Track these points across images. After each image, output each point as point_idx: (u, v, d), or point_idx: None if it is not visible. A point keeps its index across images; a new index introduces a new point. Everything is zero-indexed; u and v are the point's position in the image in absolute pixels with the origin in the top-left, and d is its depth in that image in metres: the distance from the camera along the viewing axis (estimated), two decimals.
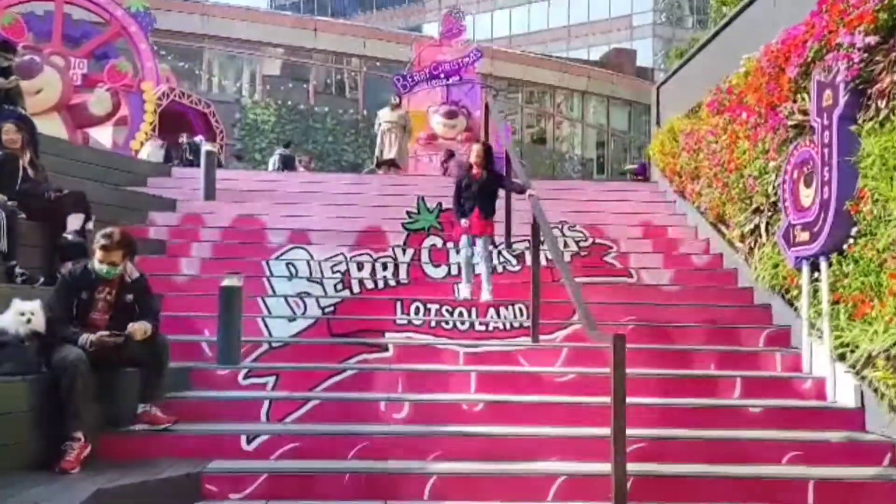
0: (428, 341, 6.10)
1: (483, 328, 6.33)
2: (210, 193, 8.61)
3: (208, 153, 8.70)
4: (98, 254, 4.75)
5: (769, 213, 6.45)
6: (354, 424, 5.04)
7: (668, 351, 6.06)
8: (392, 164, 13.02)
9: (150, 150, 14.13)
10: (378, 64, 29.64)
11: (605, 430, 4.94)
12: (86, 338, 4.55)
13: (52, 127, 15.81)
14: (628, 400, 4.19)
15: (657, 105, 10.31)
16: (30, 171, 6.47)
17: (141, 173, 9.10)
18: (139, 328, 4.66)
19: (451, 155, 14.30)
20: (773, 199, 6.35)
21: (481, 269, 6.78)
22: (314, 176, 10.80)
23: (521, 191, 6.66)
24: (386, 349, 5.90)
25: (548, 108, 37.13)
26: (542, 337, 6.15)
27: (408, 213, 8.66)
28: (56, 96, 16.14)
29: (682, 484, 4.57)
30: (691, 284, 7.26)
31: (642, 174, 18.14)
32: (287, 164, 15.85)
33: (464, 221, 6.79)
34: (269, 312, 6.49)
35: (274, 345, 5.86)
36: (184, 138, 15.28)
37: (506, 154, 7.82)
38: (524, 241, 8.02)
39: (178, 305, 6.44)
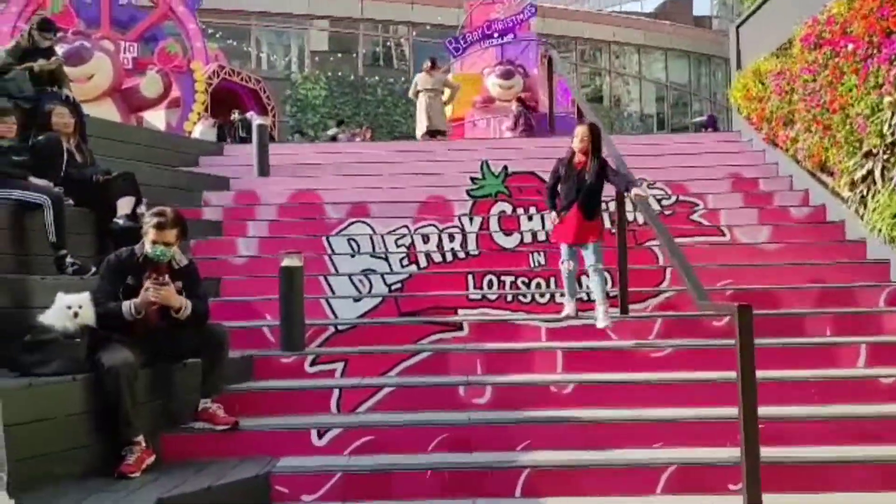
0: (506, 317, 5.58)
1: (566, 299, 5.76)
2: (264, 169, 8.21)
3: (260, 127, 8.28)
4: (151, 233, 4.36)
5: (885, 156, 5.68)
6: (432, 412, 4.59)
7: (775, 317, 5.40)
8: (438, 133, 12.14)
9: (202, 130, 13.87)
10: (428, 28, 28.89)
11: (714, 411, 4.39)
12: (129, 305, 4.19)
13: (105, 112, 15.74)
14: (733, 375, 3.60)
15: (737, 47, 9.43)
16: (77, 156, 6.14)
17: (192, 152, 8.75)
18: (168, 294, 4.24)
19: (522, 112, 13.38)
20: (890, 139, 5.57)
21: (592, 286, 5.31)
22: (369, 146, 10.31)
23: (626, 188, 5.25)
24: (460, 327, 5.41)
25: (603, 64, 35.87)
26: (631, 307, 5.55)
27: (472, 178, 8.10)
28: (108, 81, 16.05)
29: (809, 472, 3.98)
30: (793, 241, 6.54)
31: (712, 126, 17.18)
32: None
33: (554, 216, 5.47)
34: (333, 292, 6.06)
35: (340, 327, 5.43)
36: (235, 115, 14.96)
37: (577, 110, 7.16)
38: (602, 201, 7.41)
39: (236, 289, 6.07)
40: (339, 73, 27.84)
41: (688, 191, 7.63)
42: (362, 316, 5.75)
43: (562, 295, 5.75)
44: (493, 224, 7.10)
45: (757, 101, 8.23)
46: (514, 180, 8.10)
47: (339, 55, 29.29)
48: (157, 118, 17.28)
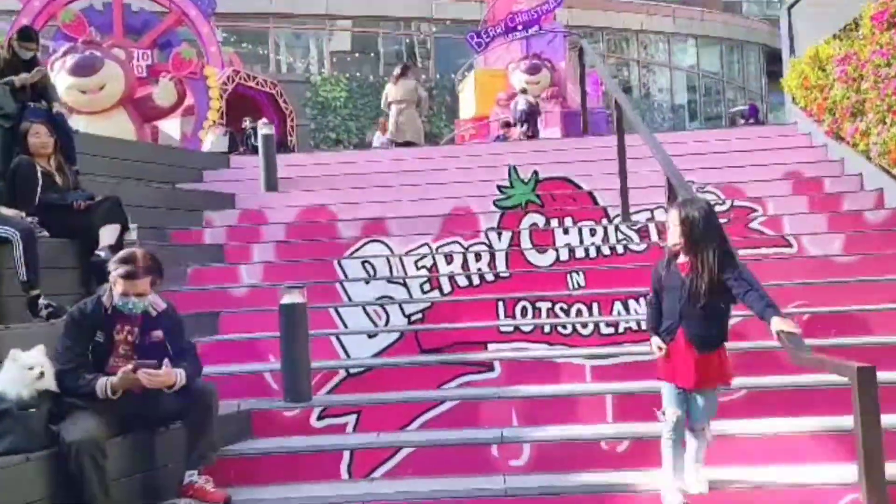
0: (543, 353, 4.81)
1: (611, 330, 4.98)
2: (271, 184, 7.52)
3: (266, 138, 7.58)
4: (120, 285, 3.68)
5: None
6: (461, 478, 3.86)
7: (866, 347, 4.56)
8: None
9: (213, 139, 13.25)
10: (448, 23, 28.10)
11: (812, 475, 3.61)
12: (104, 383, 3.51)
13: (118, 123, 15.24)
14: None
15: (789, 30, 8.52)
16: (57, 178, 5.50)
17: (195, 166, 8.09)
18: (163, 376, 3.57)
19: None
20: None
21: (688, 446, 3.62)
22: (384, 152, 9.57)
23: (763, 313, 3.39)
24: (491, 368, 4.66)
25: (631, 54, 34.76)
26: None
27: (499, 187, 7.33)
28: (120, 91, 15.46)
29: None
30: (871, 251, 5.67)
31: (753, 116, 16.19)
32: None
33: (657, 344, 3.60)
34: (346, 326, 5.34)
35: (352, 371, 4.70)
36: (247, 123, 14.30)
37: (616, 104, 6.36)
38: (645, 209, 6.62)
39: (236, 325, 5.37)
40: (360, 74, 27.16)
41: (744, 194, 6.78)
42: (378, 354, 5.01)
43: (608, 325, 4.98)
44: (525, 239, 6.32)
45: (817, 90, 7.35)
46: (545, 187, 7.31)
47: (359, 55, 28.61)
48: (172, 127, 16.76)
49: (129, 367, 3.53)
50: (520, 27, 15.38)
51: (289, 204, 7.22)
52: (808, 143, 7.79)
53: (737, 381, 4.34)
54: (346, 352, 5.04)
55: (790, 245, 5.86)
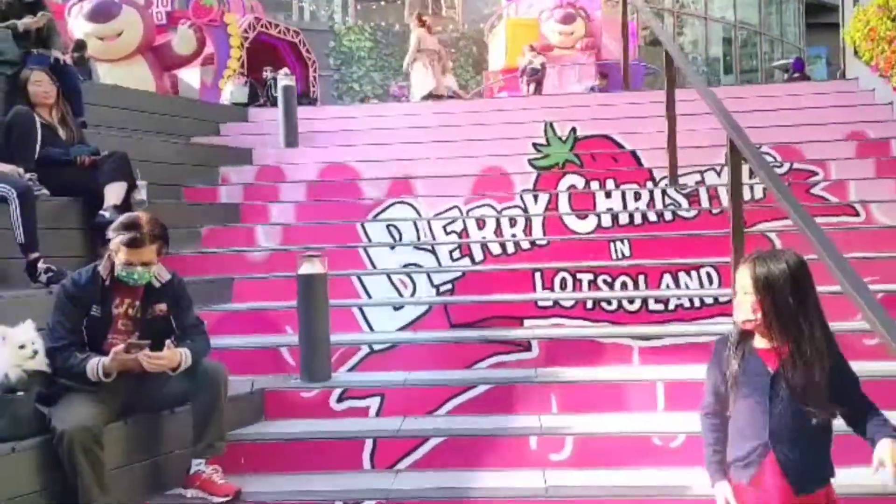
0: (585, 332, 4.37)
1: (661, 307, 4.52)
2: (291, 139, 7.07)
3: (286, 89, 7.10)
4: (123, 253, 3.27)
5: None
6: (496, 471, 3.47)
7: None
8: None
9: (232, 90, 12.79)
10: None
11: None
12: (95, 364, 3.14)
13: (138, 72, 14.82)
14: None
15: None
16: (60, 132, 5.10)
17: (212, 119, 7.65)
18: (166, 358, 3.19)
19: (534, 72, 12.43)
20: None
21: None
22: (411, 106, 9.05)
23: (876, 435, 2.17)
24: (528, 347, 4.24)
25: (665, 4, 33.44)
26: None
27: (534, 144, 6.84)
28: (138, 38, 14.98)
29: None
30: None
31: (800, 71, 15.35)
32: None
33: (724, 490, 2.32)
34: (369, 296, 4.93)
35: (376, 347, 4.30)
36: (268, 73, 13.75)
37: (666, 56, 5.79)
38: (694, 171, 6.10)
39: (251, 292, 4.98)
40: (385, 23, 26.36)
41: (802, 156, 6.22)
42: (404, 328, 4.61)
43: (657, 301, 4.52)
44: (563, 203, 5.83)
45: (886, 41, 6.69)
46: (584, 145, 6.81)
47: (384, 3, 27.76)
48: (192, 76, 16.25)
49: (121, 346, 3.14)
50: None
51: (309, 161, 6.78)
52: (871, 101, 7.16)
53: None
54: (369, 325, 4.64)
55: (857, 213, 5.33)
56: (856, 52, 7.52)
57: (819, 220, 5.16)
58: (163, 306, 3.40)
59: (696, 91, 5.16)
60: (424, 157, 6.68)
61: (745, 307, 2.26)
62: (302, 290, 4.10)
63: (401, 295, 4.93)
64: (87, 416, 3.05)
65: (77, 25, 14.34)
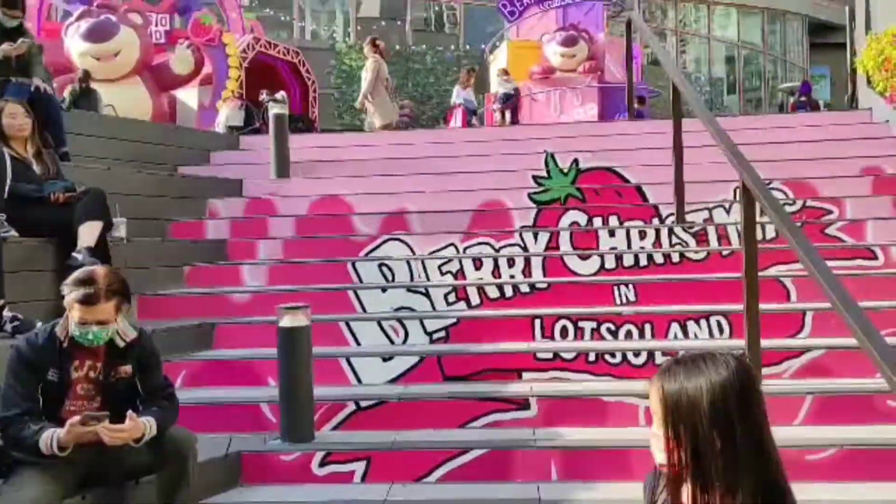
0: (587, 389, 4.07)
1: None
2: (282, 169, 6.80)
3: (277, 117, 6.85)
4: (77, 311, 2.98)
5: None
6: None
7: None
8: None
9: (227, 113, 12.55)
10: None
11: None
12: (49, 436, 2.83)
13: (134, 92, 14.66)
14: None
15: (866, 2, 7.57)
16: (35, 167, 4.84)
17: (201, 147, 7.39)
18: (128, 431, 2.90)
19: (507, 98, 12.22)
20: None
21: None
22: (408, 135, 8.78)
23: None
24: (526, 405, 3.94)
25: (668, 24, 33.33)
26: (764, 371, 3.99)
27: (534, 177, 6.57)
28: (135, 58, 14.81)
29: None
30: None
31: (807, 94, 15.10)
32: None
33: None
34: (358, 344, 4.64)
35: (363, 404, 4.01)
36: (264, 95, 13.55)
37: (673, 87, 5.53)
38: (702, 207, 5.82)
39: (234, 338, 4.70)
40: (387, 42, 26.19)
41: (816, 192, 5.94)
42: (394, 381, 4.31)
43: (664, 354, 4.23)
44: (564, 241, 5.55)
45: None
46: (587, 178, 6.54)
47: (385, 22, 27.64)
48: (189, 97, 16.07)
49: (77, 419, 2.85)
50: None
51: (300, 193, 6.51)
52: (886, 134, 6.89)
53: (824, 434, 3.62)
54: (357, 377, 4.35)
55: (875, 257, 5.04)
56: (869, 82, 7.26)
57: (834, 263, 4.90)
58: (127, 368, 3.11)
59: (704, 125, 4.89)
60: (419, 191, 6.41)
61: (656, 443, 1.55)
62: (283, 344, 3.81)
63: (392, 342, 4.64)
64: (40, 494, 2.76)
65: (74, 45, 14.17)
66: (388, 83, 10.29)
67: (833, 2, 34.01)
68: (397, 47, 25.93)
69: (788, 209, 5.63)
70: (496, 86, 12.87)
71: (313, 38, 27.00)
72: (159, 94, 15.24)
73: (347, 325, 4.68)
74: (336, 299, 4.96)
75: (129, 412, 2.93)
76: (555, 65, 13.70)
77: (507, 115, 12.60)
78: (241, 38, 16.64)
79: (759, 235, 5.28)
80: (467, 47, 26.19)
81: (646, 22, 32.36)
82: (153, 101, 14.81)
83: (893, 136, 6.76)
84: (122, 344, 3.12)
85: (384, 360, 4.37)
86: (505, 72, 13.08)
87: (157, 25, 16.89)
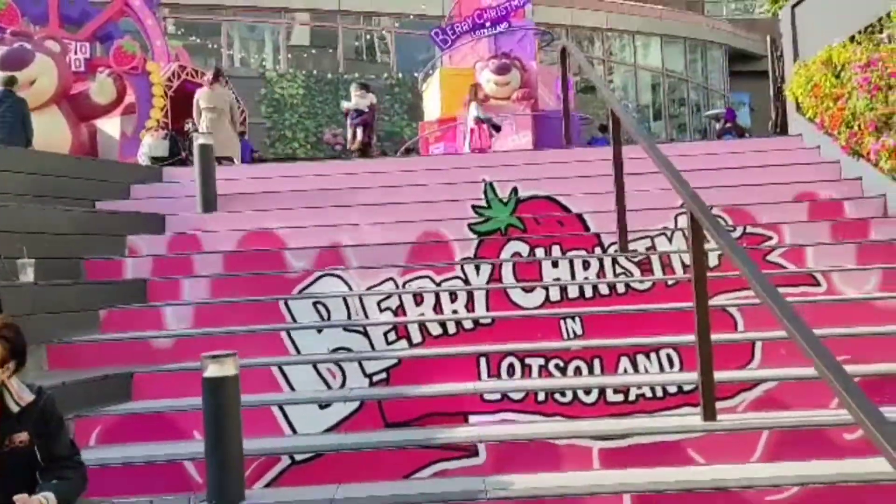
0: (538, 432, 3.85)
1: (620, 398, 4.06)
2: (209, 203, 6.44)
3: (202, 148, 6.50)
4: None
5: None
6: None
7: None
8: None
9: (150, 143, 12.01)
10: (412, 18, 27.02)
11: None
12: None
13: (51, 121, 13.96)
14: None
15: (793, 31, 7.72)
16: None
17: (121, 180, 6.95)
18: None
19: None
20: None
21: None
22: (342, 165, 8.53)
23: None
24: (474, 452, 3.70)
25: (596, 52, 34.09)
26: (717, 405, 3.85)
27: (474, 207, 6.39)
28: (53, 86, 14.11)
29: None
30: None
31: (732, 121, 15.50)
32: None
33: None
34: (292, 389, 4.33)
35: (298, 457, 3.69)
36: (189, 125, 13.06)
37: (611, 114, 5.46)
38: (644, 236, 5.73)
39: (154, 388, 4.31)
40: (317, 71, 25.94)
41: (754, 219, 5.94)
42: (332, 429, 4.01)
43: (615, 392, 4.06)
44: (507, 273, 5.37)
45: (830, 99, 6.54)
46: (527, 207, 6.39)
47: (317, 51, 27.39)
48: (111, 127, 15.39)
49: None
50: (488, 24, 14.44)
51: (228, 227, 6.16)
52: (818, 159, 6.99)
53: (784, 472, 3.48)
54: (291, 426, 4.03)
55: (817, 283, 5.01)
56: (798, 108, 7.38)
57: (781, 290, 4.85)
58: (23, 436, 2.74)
59: (646, 153, 4.80)
60: (355, 223, 6.14)
61: None
62: (208, 395, 3.48)
63: (329, 386, 4.34)
64: None
65: None
66: (220, 110, 9.78)
67: (751, 32, 35.57)
68: (329, 75, 25.70)
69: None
70: (353, 102, 12.29)
71: (242, 65, 26.51)
72: (78, 124, 14.56)
73: (280, 369, 4.36)
74: (268, 341, 4.64)
75: (22, 496, 2.56)
76: (489, 92, 13.66)
77: (359, 132, 12.10)
78: (165, 65, 16.11)
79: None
80: (399, 75, 26.11)
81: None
82: (72, 132, 14.13)
83: (825, 160, 6.85)
84: (16, 408, 2.75)
85: (321, 406, 4.06)
86: (362, 86, 12.71)
87: (76, 53, 16.21)
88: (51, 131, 13.67)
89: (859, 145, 6.15)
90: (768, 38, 13.52)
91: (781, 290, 4.65)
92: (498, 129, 12.04)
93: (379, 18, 28.39)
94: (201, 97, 9.97)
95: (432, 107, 15.18)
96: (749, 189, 6.48)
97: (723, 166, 7.18)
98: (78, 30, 16.61)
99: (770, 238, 5.68)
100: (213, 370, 3.47)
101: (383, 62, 28.33)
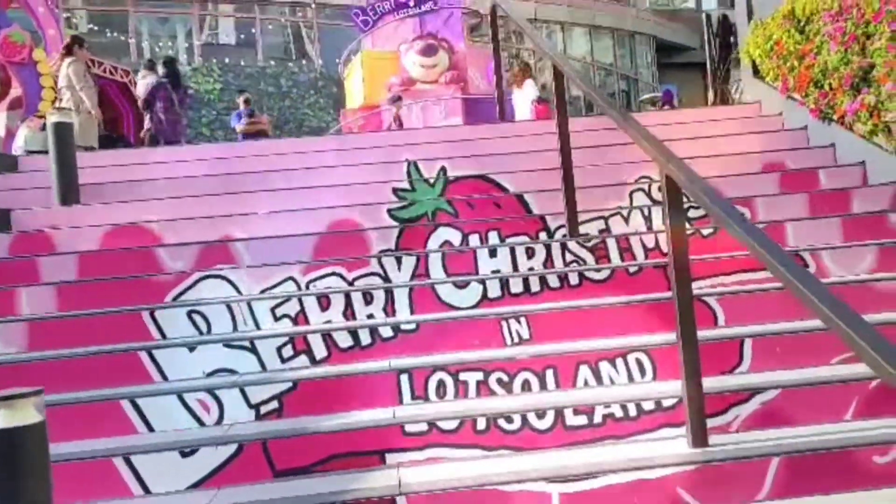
0: (480, 475, 2.87)
1: (582, 420, 3.12)
2: (69, 194, 5.24)
3: (58, 127, 5.30)
4: None
5: None
6: None
7: None
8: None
9: (27, 135, 10.62)
10: (335, 8, 25.81)
11: None
12: None
13: None
14: None
15: None
16: None
17: None
18: None
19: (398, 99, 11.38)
20: None
21: None
22: (233, 147, 7.45)
23: None
24: None
25: (526, 43, 33.50)
26: (709, 423, 2.96)
27: (394, 190, 5.40)
28: None
29: None
30: None
31: (669, 103, 14.96)
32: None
33: None
34: (150, 429, 3.24)
35: None
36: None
37: (556, 74, 4.54)
38: (597, 217, 4.85)
39: None
40: (236, 65, 24.48)
41: (723, 193, 5.09)
42: (199, 485, 2.95)
43: (576, 413, 3.12)
44: (435, 266, 4.38)
45: (795, 57, 5.79)
46: (457, 188, 5.44)
47: (234, 44, 25.91)
48: None
49: None
50: (411, 3, 13.46)
51: (91, 223, 4.99)
52: (781, 126, 6.23)
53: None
54: (143, 485, 2.95)
55: (805, 264, 4.19)
56: (755, 72, 6.63)
57: (761, 274, 4.04)
58: None
59: (603, 112, 3.90)
60: (249, 213, 5.06)
61: None
62: (7, 455, 2.38)
63: (201, 423, 3.28)
64: None
65: None
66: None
67: (674, 22, 35.69)
68: (249, 70, 24.34)
69: (696, 213, 4.74)
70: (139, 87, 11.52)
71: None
72: None
73: (133, 403, 3.27)
74: (122, 365, 3.54)
75: None
76: (414, 76, 12.68)
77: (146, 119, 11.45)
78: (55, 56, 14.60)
79: (652, 243, 4.43)
80: (324, 68, 24.93)
81: (506, 41, 32.41)
82: None
83: (791, 128, 6.10)
84: None
85: (183, 454, 2.99)
86: (146, 66, 12.02)
87: None
88: None
89: (831, 107, 5.40)
90: (703, 15, 12.97)
91: (766, 274, 3.84)
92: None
93: (303, 9, 27.11)
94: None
95: (354, 93, 14.12)
96: (708, 161, 5.64)
97: (674, 137, 6.33)
98: None
99: (742, 213, 4.84)
100: (6, 419, 2.37)
101: (306, 55, 27.09)
